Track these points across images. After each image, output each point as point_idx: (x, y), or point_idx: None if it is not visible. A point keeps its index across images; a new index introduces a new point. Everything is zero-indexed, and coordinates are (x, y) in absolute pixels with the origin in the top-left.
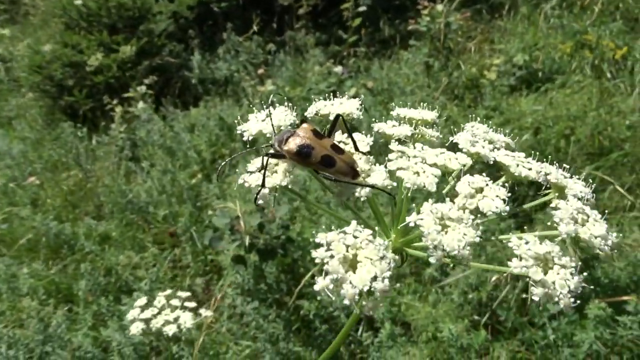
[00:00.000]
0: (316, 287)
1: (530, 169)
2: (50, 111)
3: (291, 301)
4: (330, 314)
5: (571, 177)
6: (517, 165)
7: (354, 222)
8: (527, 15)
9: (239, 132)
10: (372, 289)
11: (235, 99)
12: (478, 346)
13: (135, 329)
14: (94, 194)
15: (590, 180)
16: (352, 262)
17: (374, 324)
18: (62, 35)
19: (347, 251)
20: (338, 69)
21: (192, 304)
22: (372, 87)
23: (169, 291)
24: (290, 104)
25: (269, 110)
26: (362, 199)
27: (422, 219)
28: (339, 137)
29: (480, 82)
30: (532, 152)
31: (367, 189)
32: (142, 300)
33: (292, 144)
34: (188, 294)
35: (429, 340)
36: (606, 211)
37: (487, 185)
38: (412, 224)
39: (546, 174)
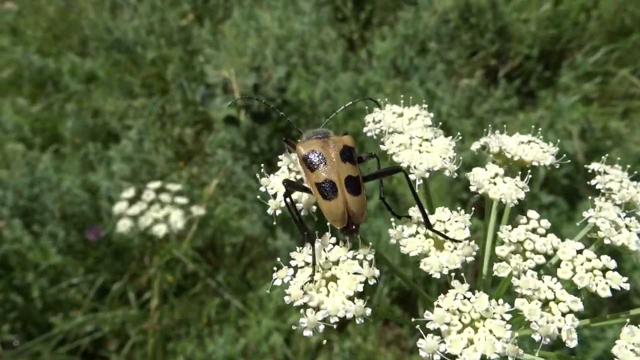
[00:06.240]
0: None
1: None
2: None
3: None
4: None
5: None
6: None
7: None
8: None
9: None
10: None
11: None
12: None
13: (123, 226)
14: (78, 27)
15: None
16: None
17: None
18: None
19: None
20: None
21: (183, 200)
22: None
23: (158, 183)
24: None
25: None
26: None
27: None
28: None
29: None
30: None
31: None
32: (130, 192)
33: (305, 147)
34: (179, 187)
35: None
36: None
37: None
38: None
39: None
